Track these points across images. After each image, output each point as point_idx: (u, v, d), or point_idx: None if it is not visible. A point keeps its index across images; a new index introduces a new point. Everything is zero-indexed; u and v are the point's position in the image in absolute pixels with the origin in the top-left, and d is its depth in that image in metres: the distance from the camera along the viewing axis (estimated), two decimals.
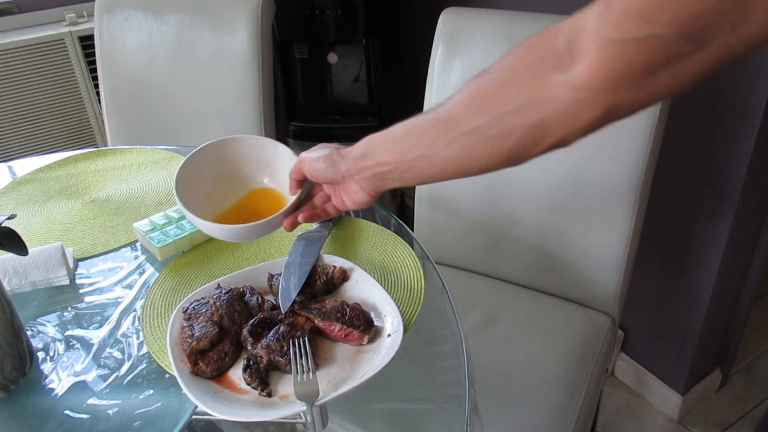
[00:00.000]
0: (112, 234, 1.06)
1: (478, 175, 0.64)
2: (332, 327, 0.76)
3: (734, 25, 0.41)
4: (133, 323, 0.86)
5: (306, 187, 0.83)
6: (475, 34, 1.25)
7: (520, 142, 0.57)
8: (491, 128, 0.58)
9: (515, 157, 0.59)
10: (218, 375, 0.73)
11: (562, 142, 0.56)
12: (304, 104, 2.18)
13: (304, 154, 0.77)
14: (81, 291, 0.94)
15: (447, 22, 1.28)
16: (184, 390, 0.68)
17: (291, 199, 0.82)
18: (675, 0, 0.42)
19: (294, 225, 0.81)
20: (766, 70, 1.20)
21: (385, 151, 0.68)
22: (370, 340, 0.75)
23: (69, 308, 0.91)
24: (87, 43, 2.02)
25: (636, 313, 1.71)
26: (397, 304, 0.78)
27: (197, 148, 0.86)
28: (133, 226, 1.03)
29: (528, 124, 0.56)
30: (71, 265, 0.97)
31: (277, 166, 0.87)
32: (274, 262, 0.88)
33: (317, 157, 0.75)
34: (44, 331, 0.86)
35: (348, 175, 0.72)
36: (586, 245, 1.23)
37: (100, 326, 0.86)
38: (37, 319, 0.88)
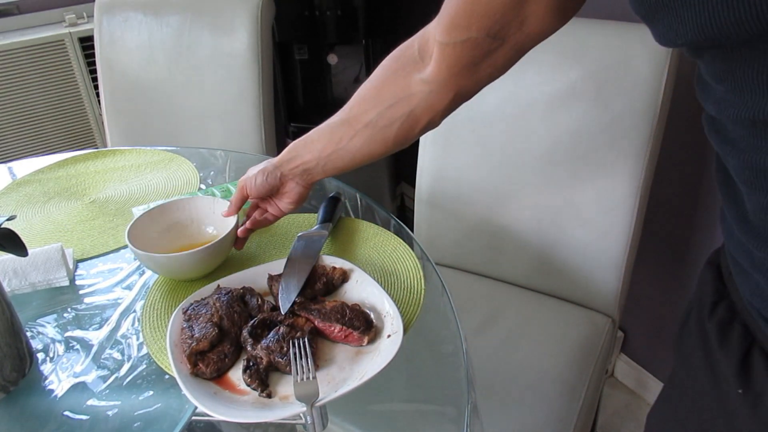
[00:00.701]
0: (112, 235, 1.06)
1: (381, 158, 0.81)
2: (332, 328, 0.76)
3: (520, 27, 0.62)
4: (132, 324, 0.86)
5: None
6: None
7: (401, 129, 0.77)
8: (379, 121, 0.77)
9: (401, 140, 0.78)
10: (218, 376, 0.73)
11: (431, 124, 0.77)
12: (304, 105, 2.18)
13: (242, 179, 0.91)
14: (81, 292, 0.94)
15: None
16: (184, 391, 0.68)
17: (231, 224, 0.93)
18: (480, 13, 0.61)
19: (243, 241, 0.95)
20: None
21: (306, 152, 0.84)
22: (370, 341, 0.75)
23: (69, 309, 0.91)
24: (87, 44, 2.02)
25: (636, 314, 1.71)
26: (396, 305, 0.78)
27: (143, 212, 0.98)
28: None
29: (403, 114, 0.76)
30: (71, 266, 0.97)
31: (218, 217, 0.99)
32: (273, 263, 0.88)
33: (253, 175, 0.89)
34: (44, 332, 0.86)
35: (284, 177, 0.88)
36: (586, 246, 1.23)
37: (100, 327, 0.86)
38: (37, 320, 0.88)
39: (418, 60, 0.73)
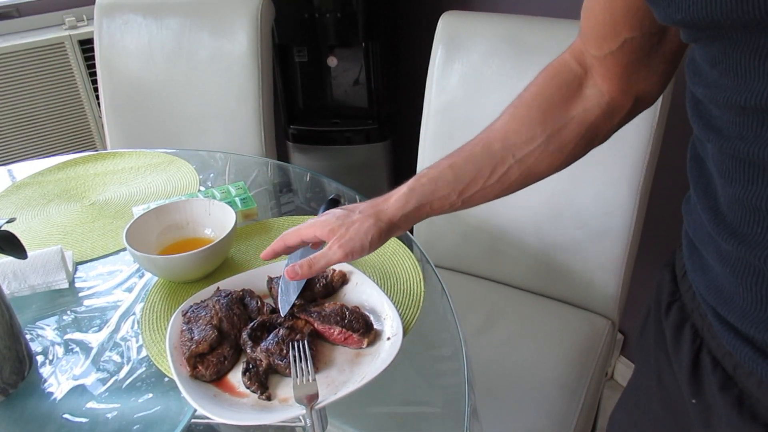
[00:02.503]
0: (112, 237, 1.06)
1: (531, 184, 0.71)
2: (332, 330, 0.75)
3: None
4: (132, 327, 0.86)
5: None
6: (474, 38, 1.25)
7: (575, 149, 0.67)
8: (548, 147, 0.67)
9: (570, 161, 0.69)
10: (217, 378, 0.73)
11: (607, 137, 0.69)
12: (303, 107, 2.18)
13: (343, 247, 0.71)
14: (80, 294, 0.94)
15: (446, 25, 1.28)
16: (184, 393, 0.68)
17: (229, 226, 0.92)
18: (621, 14, 0.56)
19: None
20: None
21: (439, 197, 0.70)
22: (370, 343, 0.75)
23: (68, 312, 0.91)
24: (87, 46, 2.02)
25: (636, 316, 1.71)
26: (396, 307, 0.78)
27: (142, 213, 0.98)
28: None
29: (579, 134, 0.67)
30: (70, 269, 0.97)
31: (215, 219, 0.99)
32: (273, 266, 0.88)
33: (360, 236, 0.70)
34: (43, 334, 0.86)
35: (397, 229, 0.72)
36: (585, 248, 1.23)
37: (100, 330, 0.86)
38: (37, 323, 0.88)
39: (581, 73, 0.67)
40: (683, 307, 0.58)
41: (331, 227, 0.71)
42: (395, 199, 0.71)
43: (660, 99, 1.08)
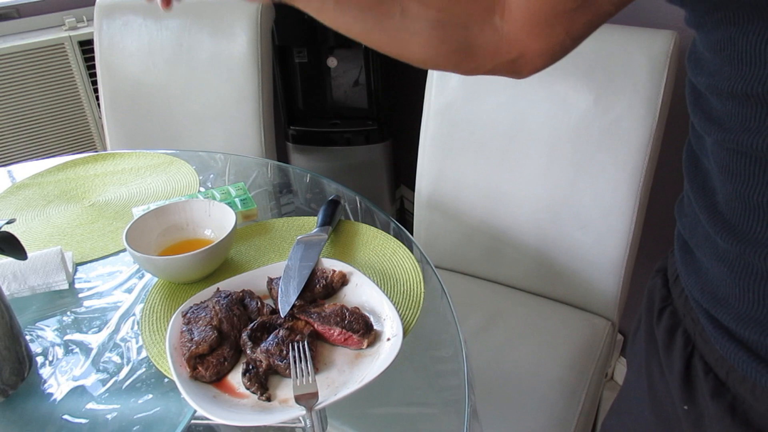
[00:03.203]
0: (112, 238, 1.06)
1: (389, 53, 0.67)
2: (332, 331, 0.75)
3: None
4: (132, 327, 0.86)
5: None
6: None
7: (446, 55, 0.63)
8: (435, 28, 0.62)
9: (431, 64, 0.66)
10: (217, 379, 0.73)
11: (473, 72, 0.64)
12: (303, 108, 2.19)
13: None
14: (80, 295, 0.94)
15: None
16: (183, 394, 0.68)
17: (229, 227, 0.92)
18: None
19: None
20: None
21: None
22: (370, 344, 0.75)
23: (68, 313, 0.91)
24: (87, 47, 2.02)
25: (635, 317, 1.71)
26: (396, 308, 0.78)
27: (143, 213, 0.98)
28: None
29: (460, 45, 0.62)
30: (70, 270, 0.97)
31: (215, 220, 0.99)
32: (273, 266, 0.88)
33: None
34: (43, 335, 0.86)
35: None
36: (585, 249, 1.23)
37: (99, 331, 0.86)
38: (36, 324, 0.88)
39: (496, 4, 0.61)
40: (675, 312, 0.58)
41: None
42: None
43: (659, 101, 1.08)
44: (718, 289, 0.50)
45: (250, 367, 0.72)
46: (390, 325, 0.76)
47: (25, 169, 1.32)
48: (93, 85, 2.07)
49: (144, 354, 0.81)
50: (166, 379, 0.77)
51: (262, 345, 0.74)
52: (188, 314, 0.79)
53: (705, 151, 0.50)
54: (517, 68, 0.63)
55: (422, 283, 0.89)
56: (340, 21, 0.68)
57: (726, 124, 0.45)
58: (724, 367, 0.51)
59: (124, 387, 0.77)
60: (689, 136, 0.55)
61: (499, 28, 0.61)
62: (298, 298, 0.80)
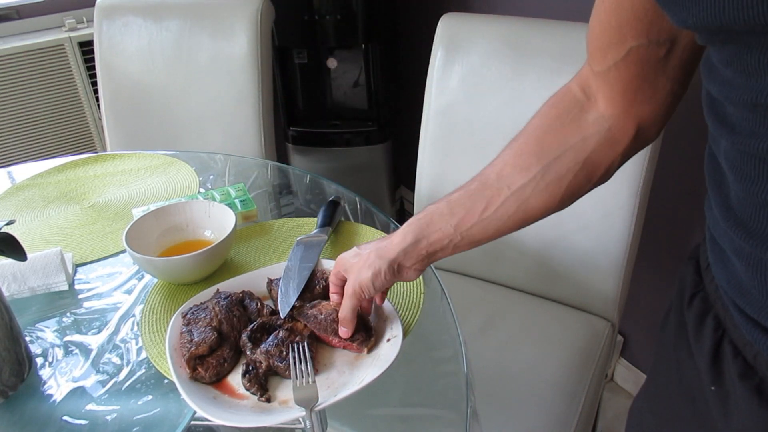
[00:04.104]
0: (111, 239, 1.06)
1: (536, 221, 0.67)
2: (330, 339, 0.76)
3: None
4: (132, 328, 0.86)
5: None
6: (474, 40, 1.25)
7: (573, 182, 0.64)
8: (544, 177, 0.64)
9: (568, 197, 0.65)
10: (217, 380, 0.73)
11: (609, 172, 0.65)
12: (303, 109, 2.19)
13: (353, 287, 0.72)
14: (80, 296, 0.94)
15: (446, 27, 1.29)
16: (183, 395, 0.68)
17: (228, 228, 0.93)
18: (628, 18, 0.53)
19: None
20: None
21: (433, 231, 0.69)
22: (370, 350, 0.75)
23: (68, 314, 0.91)
24: (87, 48, 2.02)
25: (636, 318, 1.71)
26: (396, 309, 0.78)
27: (143, 214, 0.99)
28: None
29: (576, 164, 0.63)
30: (70, 271, 0.97)
31: (215, 221, 0.99)
32: (273, 267, 0.88)
33: (366, 279, 0.71)
34: (43, 336, 0.86)
35: (402, 268, 0.72)
36: (585, 250, 1.23)
37: (99, 332, 0.86)
38: (36, 325, 0.88)
39: (583, 100, 0.64)
40: (706, 298, 0.59)
41: (342, 266, 0.76)
42: (395, 235, 0.72)
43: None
44: (741, 281, 0.52)
45: (250, 368, 0.72)
46: (390, 326, 0.76)
47: (25, 170, 1.32)
48: (93, 86, 2.07)
49: (144, 355, 0.81)
50: (165, 380, 0.77)
51: (262, 346, 0.74)
52: (188, 315, 0.79)
53: (720, 152, 0.52)
54: (645, 138, 0.64)
55: (422, 284, 0.89)
56: (482, 238, 0.70)
57: (737, 127, 0.47)
58: (752, 351, 0.52)
59: (123, 388, 0.77)
60: (709, 136, 0.56)
61: (599, 120, 0.62)
62: (298, 299, 0.80)
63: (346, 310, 0.73)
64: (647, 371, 0.74)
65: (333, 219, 1.00)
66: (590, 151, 0.63)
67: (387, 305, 0.79)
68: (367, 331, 0.75)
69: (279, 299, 0.81)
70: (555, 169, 0.64)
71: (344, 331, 0.73)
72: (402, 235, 0.71)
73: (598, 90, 0.62)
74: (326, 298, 0.84)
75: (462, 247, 0.69)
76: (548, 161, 0.64)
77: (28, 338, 0.85)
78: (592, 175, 0.64)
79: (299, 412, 0.65)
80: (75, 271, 0.99)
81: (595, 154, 0.63)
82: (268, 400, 0.69)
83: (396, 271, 0.71)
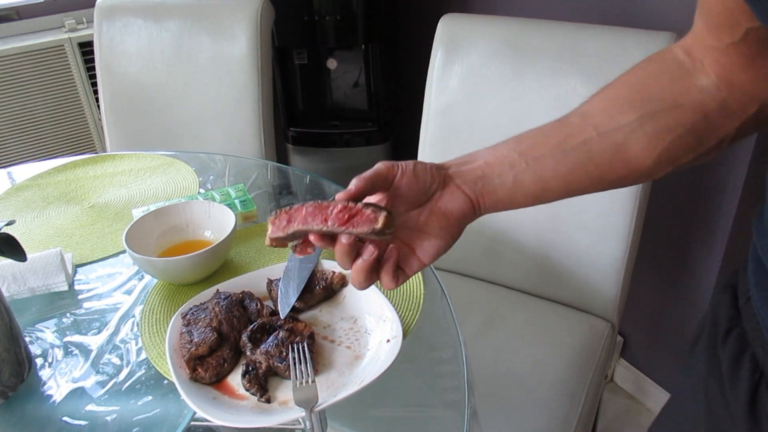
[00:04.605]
0: (111, 240, 1.06)
1: (612, 188, 0.58)
2: (332, 209, 0.53)
3: None
4: (131, 329, 0.86)
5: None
6: (474, 40, 1.25)
7: (677, 142, 0.54)
8: (642, 127, 0.54)
9: (666, 159, 0.55)
10: (217, 381, 0.73)
11: (719, 146, 0.56)
12: (303, 110, 2.19)
13: (384, 164, 0.56)
14: (80, 297, 0.94)
15: (446, 27, 1.29)
16: (183, 396, 0.68)
17: (228, 229, 0.92)
18: (741, 5, 0.47)
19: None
20: None
21: (495, 153, 0.58)
22: (386, 227, 0.51)
23: (68, 314, 0.90)
24: (86, 49, 2.02)
25: (635, 318, 1.71)
26: (396, 310, 0.78)
27: (143, 214, 0.98)
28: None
29: (683, 125, 0.54)
30: (70, 271, 0.97)
31: (215, 221, 0.99)
32: (272, 268, 0.88)
33: (403, 162, 0.56)
34: (43, 337, 0.86)
35: (448, 179, 0.57)
36: (585, 251, 1.23)
37: (99, 332, 0.86)
38: (36, 325, 0.88)
39: (689, 63, 0.56)
40: (744, 335, 0.55)
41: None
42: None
43: None
44: None
45: (250, 368, 0.72)
46: (390, 327, 0.76)
47: (25, 171, 1.32)
48: (93, 86, 2.07)
49: (143, 355, 0.81)
50: (165, 381, 0.77)
51: (262, 346, 0.74)
52: (188, 316, 0.79)
53: None
54: (746, 130, 0.55)
55: (422, 285, 0.89)
56: (560, 187, 0.59)
57: None
58: None
59: (123, 389, 0.77)
60: None
61: (712, 87, 0.54)
62: (298, 299, 0.80)
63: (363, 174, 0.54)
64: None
65: None
66: (701, 116, 0.54)
67: (387, 305, 0.79)
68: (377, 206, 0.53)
69: (279, 300, 0.81)
70: (658, 122, 0.54)
71: (353, 185, 0.53)
72: (458, 157, 0.59)
73: (710, 59, 0.54)
74: (326, 298, 0.84)
75: (525, 182, 0.56)
76: (648, 111, 0.54)
77: (27, 339, 0.85)
78: (702, 143, 0.55)
79: (299, 413, 0.65)
80: (75, 272, 0.99)
81: (707, 121, 0.54)
82: (268, 401, 0.69)
83: (443, 179, 0.56)
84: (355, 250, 0.53)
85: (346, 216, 0.52)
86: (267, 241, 0.56)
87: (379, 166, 0.55)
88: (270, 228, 0.55)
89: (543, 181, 0.57)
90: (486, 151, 0.58)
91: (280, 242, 0.56)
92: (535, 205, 0.58)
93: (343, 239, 0.52)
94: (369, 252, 0.53)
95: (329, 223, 0.52)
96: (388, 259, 0.55)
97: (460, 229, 0.58)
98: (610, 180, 0.57)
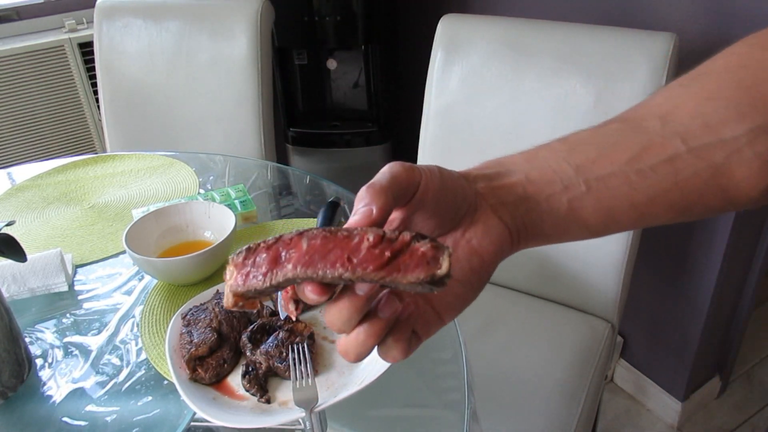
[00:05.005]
0: (111, 240, 1.06)
1: (691, 219, 0.42)
2: (364, 248, 0.33)
3: None
4: (131, 330, 0.86)
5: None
6: (473, 41, 1.25)
7: None
8: (756, 142, 0.39)
9: None
10: (217, 381, 0.73)
11: None
12: (303, 110, 2.19)
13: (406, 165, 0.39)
14: (79, 297, 0.94)
15: (446, 28, 1.29)
16: (183, 396, 0.68)
17: (228, 229, 0.91)
18: None
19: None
20: None
21: (539, 165, 0.41)
22: (449, 274, 0.32)
23: (67, 315, 0.90)
24: (86, 49, 2.02)
25: (635, 319, 1.71)
26: None
27: (144, 214, 0.98)
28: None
29: None
30: (70, 272, 0.97)
31: (215, 221, 0.98)
32: None
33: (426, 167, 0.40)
34: (43, 337, 0.86)
35: (480, 197, 0.40)
36: (585, 251, 1.23)
37: (99, 333, 0.86)
38: (36, 326, 0.88)
39: None
40: None
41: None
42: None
43: None
44: None
45: (250, 368, 0.72)
46: None
47: (24, 171, 1.32)
48: (93, 87, 2.07)
49: (143, 356, 0.81)
50: (165, 381, 0.77)
51: (262, 347, 0.74)
52: (188, 316, 0.79)
53: None
54: None
55: None
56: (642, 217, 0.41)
57: None
58: None
59: (123, 389, 0.77)
60: None
61: None
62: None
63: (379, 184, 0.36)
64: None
65: (333, 220, 1.00)
66: None
67: None
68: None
69: (279, 300, 0.81)
70: None
71: (373, 203, 0.35)
72: (481, 167, 0.43)
73: None
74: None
75: (584, 211, 0.39)
76: (763, 123, 0.39)
77: (27, 339, 0.85)
78: None
79: (299, 413, 0.65)
80: (75, 272, 0.99)
81: None
82: (268, 401, 0.69)
83: (471, 195, 0.39)
84: (368, 307, 0.34)
85: (387, 254, 0.32)
86: (228, 300, 0.35)
87: (396, 169, 0.38)
88: (234, 275, 0.34)
89: (609, 212, 0.40)
90: (523, 160, 0.41)
91: (249, 301, 0.35)
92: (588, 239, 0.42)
93: (360, 290, 0.33)
94: (391, 306, 0.35)
95: (357, 268, 0.32)
96: (402, 320, 0.37)
97: (491, 272, 0.41)
98: (695, 213, 0.41)
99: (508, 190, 0.40)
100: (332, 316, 0.34)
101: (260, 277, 0.33)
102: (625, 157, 0.39)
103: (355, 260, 0.32)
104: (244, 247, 0.34)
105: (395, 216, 0.38)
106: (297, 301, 0.36)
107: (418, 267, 0.32)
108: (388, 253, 0.32)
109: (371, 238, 0.32)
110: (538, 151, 0.42)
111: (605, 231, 0.41)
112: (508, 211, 0.39)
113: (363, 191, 0.35)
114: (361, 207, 0.34)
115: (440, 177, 0.39)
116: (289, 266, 0.32)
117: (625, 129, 0.41)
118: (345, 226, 0.34)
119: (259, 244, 0.34)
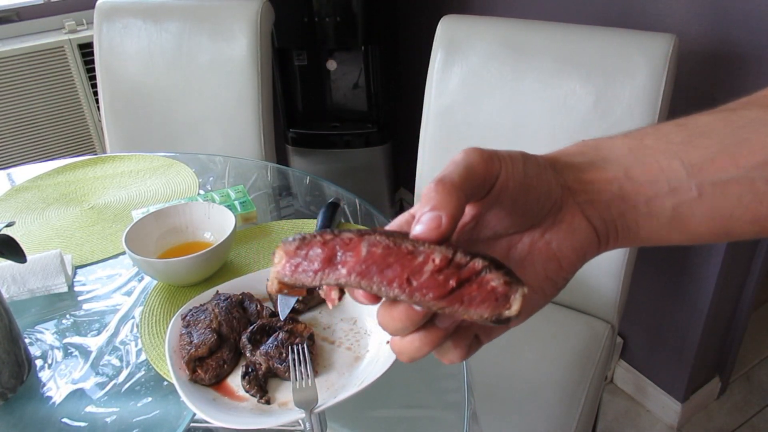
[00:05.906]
0: (111, 241, 1.06)
1: None
2: (428, 272, 0.30)
3: None
4: (131, 330, 0.86)
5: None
6: (473, 41, 1.25)
7: None
8: None
9: None
10: (217, 382, 0.73)
11: None
12: (303, 111, 2.19)
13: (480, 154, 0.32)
14: (79, 298, 0.94)
15: (446, 29, 1.29)
16: (183, 397, 0.68)
17: (228, 230, 0.91)
18: None
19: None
20: None
21: (639, 152, 0.34)
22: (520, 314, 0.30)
23: (67, 316, 0.90)
24: (86, 50, 2.02)
25: (635, 320, 1.71)
26: None
27: (144, 215, 0.98)
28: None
29: None
30: (70, 273, 0.97)
31: (214, 222, 0.98)
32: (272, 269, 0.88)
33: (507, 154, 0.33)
34: (42, 338, 0.86)
35: (567, 192, 0.34)
36: None
37: (99, 333, 0.86)
38: (36, 327, 0.88)
39: None
40: None
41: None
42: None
43: (659, 104, 1.08)
44: None
45: (250, 369, 0.72)
46: None
47: (24, 172, 1.32)
48: (93, 87, 2.07)
49: (143, 357, 0.81)
50: (165, 382, 0.77)
51: (262, 348, 0.74)
52: (187, 317, 0.79)
53: None
54: None
55: None
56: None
57: None
58: None
59: (123, 390, 0.77)
60: None
61: None
62: (298, 301, 0.80)
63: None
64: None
65: (333, 221, 1.00)
66: None
67: None
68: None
69: (279, 301, 0.81)
70: None
71: (444, 209, 0.29)
72: (567, 152, 0.36)
73: None
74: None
75: (692, 219, 0.33)
76: None
77: (27, 340, 0.85)
78: None
79: (299, 414, 0.65)
80: (74, 273, 0.99)
81: None
82: (268, 402, 0.69)
83: (557, 192, 0.33)
84: (425, 319, 0.31)
85: (451, 283, 0.29)
86: (273, 285, 0.34)
87: (472, 159, 0.31)
88: (283, 262, 0.33)
89: (724, 224, 0.33)
90: (626, 147, 0.34)
91: (295, 289, 0.33)
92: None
93: (417, 306, 0.30)
94: (450, 317, 0.32)
95: (416, 293, 0.29)
96: (464, 326, 0.35)
97: (568, 279, 0.36)
98: None
99: (602, 186, 0.34)
100: (385, 321, 0.32)
101: (311, 273, 0.31)
102: (756, 160, 0.31)
103: (414, 283, 0.29)
104: (299, 235, 0.32)
105: (465, 212, 0.32)
106: (342, 290, 0.33)
107: (484, 303, 0.29)
108: (453, 283, 0.29)
109: (437, 260, 0.29)
110: (644, 137, 0.35)
111: (715, 241, 0.35)
112: (598, 212, 0.34)
113: (431, 188, 0.29)
114: (428, 212, 0.29)
115: (523, 168, 0.32)
116: (343, 271, 0.30)
117: (764, 120, 0.33)
118: (411, 235, 0.30)
119: (315, 236, 0.31)
